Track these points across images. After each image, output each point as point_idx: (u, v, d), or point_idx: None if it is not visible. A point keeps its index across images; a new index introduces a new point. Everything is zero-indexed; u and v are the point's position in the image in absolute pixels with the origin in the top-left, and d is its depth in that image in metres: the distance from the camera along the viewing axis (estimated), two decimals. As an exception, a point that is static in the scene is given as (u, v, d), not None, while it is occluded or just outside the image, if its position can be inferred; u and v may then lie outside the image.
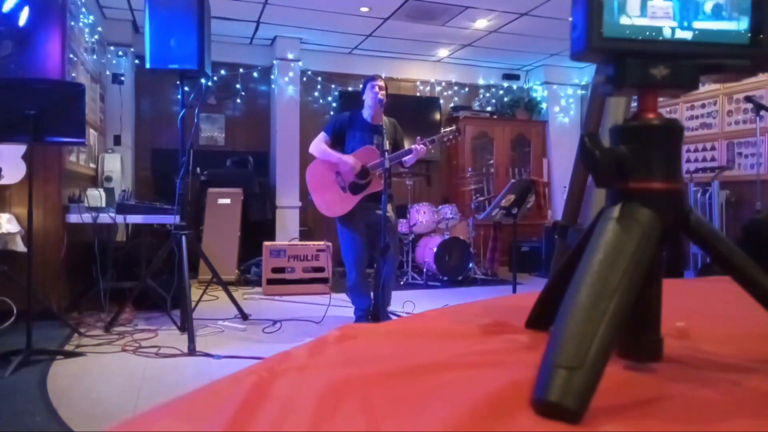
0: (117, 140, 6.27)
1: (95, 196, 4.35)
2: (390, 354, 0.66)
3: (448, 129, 4.09)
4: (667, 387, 0.56)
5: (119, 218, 4.15)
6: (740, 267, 0.63)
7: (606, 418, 0.47)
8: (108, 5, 5.99)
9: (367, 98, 4.02)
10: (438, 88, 8.11)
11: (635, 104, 0.63)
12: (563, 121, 8.22)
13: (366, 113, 4.07)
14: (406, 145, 4.12)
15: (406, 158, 3.93)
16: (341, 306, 4.58)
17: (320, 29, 6.71)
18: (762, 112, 5.12)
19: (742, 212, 5.67)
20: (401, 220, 6.13)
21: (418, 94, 8.01)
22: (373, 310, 4.04)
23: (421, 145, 3.88)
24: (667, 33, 0.57)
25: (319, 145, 4.05)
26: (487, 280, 6.43)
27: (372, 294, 4.09)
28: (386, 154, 3.65)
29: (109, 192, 4.76)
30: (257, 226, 6.55)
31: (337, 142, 4.08)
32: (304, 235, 6.84)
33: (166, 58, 3.71)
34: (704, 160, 6.23)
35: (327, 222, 7.37)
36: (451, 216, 6.28)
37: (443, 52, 7.65)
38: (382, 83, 4.02)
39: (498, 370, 0.59)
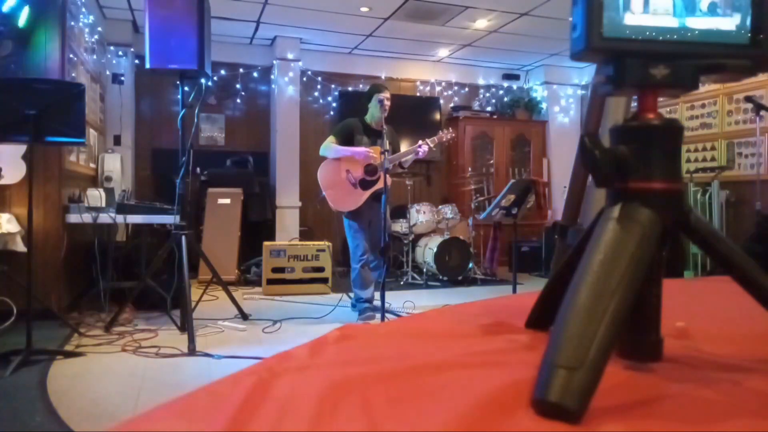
0: (117, 140, 6.27)
1: (95, 196, 4.35)
2: (390, 354, 0.66)
3: (445, 131, 4.55)
4: (667, 387, 0.56)
5: (119, 218, 4.15)
6: (740, 267, 0.63)
7: (606, 418, 0.47)
8: (108, 5, 5.99)
9: (374, 108, 4.37)
10: (438, 88, 8.10)
11: (635, 104, 0.63)
12: (563, 121, 8.22)
13: (370, 120, 4.44)
14: (402, 148, 4.59)
15: (405, 158, 4.37)
16: (341, 306, 4.58)
17: (320, 29, 6.71)
18: (762, 112, 5.12)
19: (742, 212, 5.67)
20: (401, 220, 6.18)
21: (418, 94, 8.01)
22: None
23: (424, 146, 4.29)
24: (667, 33, 0.57)
25: (330, 145, 4.38)
26: (487, 280, 6.42)
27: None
28: (386, 154, 3.91)
29: (109, 192, 4.75)
30: (257, 226, 6.54)
31: (345, 145, 4.43)
32: (304, 235, 6.84)
33: (166, 58, 3.71)
34: (704, 160, 6.23)
35: (327, 222, 7.38)
36: (451, 216, 6.28)
37: (443, 52, 7.65)
38: (389, 95, 4.39)
39: (498, 370, 0.59)
